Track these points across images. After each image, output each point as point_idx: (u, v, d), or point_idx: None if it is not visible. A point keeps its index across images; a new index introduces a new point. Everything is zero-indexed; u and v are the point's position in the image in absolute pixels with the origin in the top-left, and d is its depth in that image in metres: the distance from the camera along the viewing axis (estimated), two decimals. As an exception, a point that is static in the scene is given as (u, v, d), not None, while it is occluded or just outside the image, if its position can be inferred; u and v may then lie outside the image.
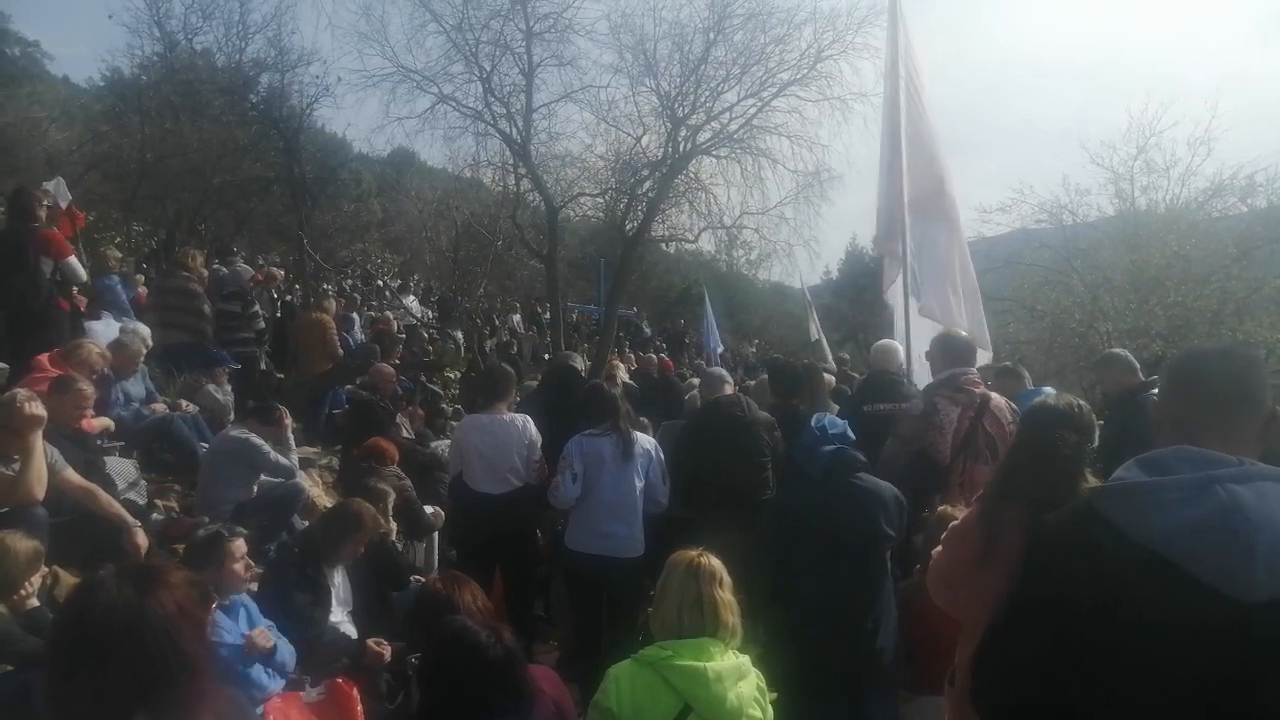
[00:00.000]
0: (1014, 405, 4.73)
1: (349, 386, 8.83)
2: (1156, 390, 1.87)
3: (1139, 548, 1.42)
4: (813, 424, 3.99)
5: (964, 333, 5.24)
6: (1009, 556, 2.24)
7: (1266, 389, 1.69)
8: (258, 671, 3.44)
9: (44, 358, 5.42)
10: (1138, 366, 5.42)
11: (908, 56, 6.86)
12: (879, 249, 7.25)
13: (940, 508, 3.95)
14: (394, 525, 5.44)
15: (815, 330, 19.34)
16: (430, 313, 17.94)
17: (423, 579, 5.10)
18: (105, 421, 5.53)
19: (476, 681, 2.57)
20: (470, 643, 2.60)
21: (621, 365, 11.67)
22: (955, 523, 2.66)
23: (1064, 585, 1.51)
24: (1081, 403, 2.67)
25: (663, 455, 5.04)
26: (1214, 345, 2.18)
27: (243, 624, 3.56)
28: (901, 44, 6.85)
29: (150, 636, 1.54)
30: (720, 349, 16.06)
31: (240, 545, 3.71)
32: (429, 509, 6.17)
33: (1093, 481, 2.30)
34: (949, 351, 4.90)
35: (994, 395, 4.70)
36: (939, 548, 2.62)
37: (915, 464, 4.61)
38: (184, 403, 6.66)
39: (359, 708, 3.60)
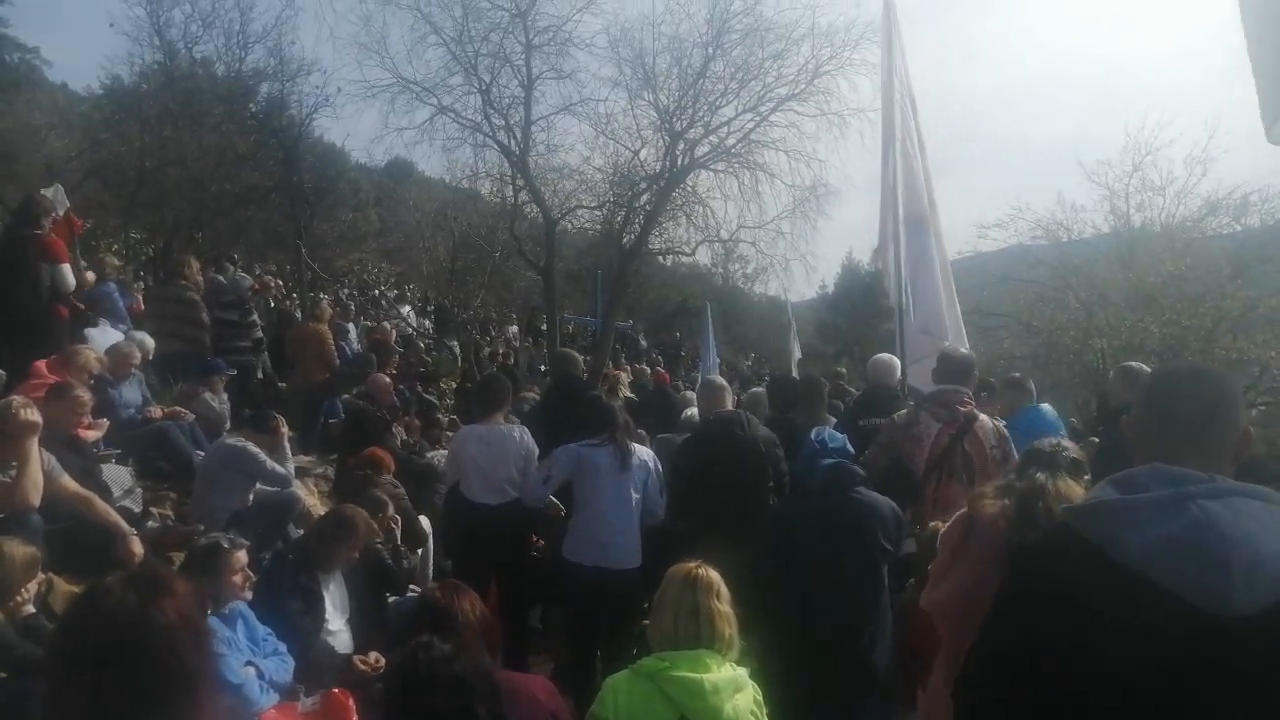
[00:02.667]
0: (1002, 430, 4.73)
1: (346, 396, 8.83)
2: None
3: (1115, 565, 1.42)
4: (812, 438, 4.00)
5: (965, 350, 5.22)
6: (983, 553, 2.30)
7: (1239, 408, 1.71)
8: (252, 685, 3.43)
9: (42, 364, 5.43)
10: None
11: (903, 70, 6.91)
12: (880, 260, 7.30)
13: (932, 523, 3.95)
14: (398, 528, 5.44)
15: (797, 349, 19.36)
16: (426, 323, 17.95)
17: (418, 589, 5.10)
18: (102, 426, 5.52)
19: (427, 692, 2.51)
20: (422, 657, 2.56)
21: (624, 376, 11.67)
22: (946, 526, 2.70)
23: (1042, 603, 1.52)
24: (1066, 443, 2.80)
25: (660, 467, 5.05)
26: (1185, 366, 2.20)
27: (240, 633, 3.56)
28: (898, 57, 6.90)
29: (152, 645, 1.53)
30: (718, 362, 16.05)
31: (241, 557, 3.70)
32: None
33: (1078, 489, 2.33)
34: (945, 369, 4.93)
35: (982, 417, 4.70)
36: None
37: (892, 472, 4.63)
38: (181, 409, 6.66)
39: (354, 718, 3.59)
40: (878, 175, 6.95)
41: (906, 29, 7.03)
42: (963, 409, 4.64)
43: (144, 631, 1.54)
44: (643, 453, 4.99)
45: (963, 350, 5.18)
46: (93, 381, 5.46)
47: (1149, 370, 5.41)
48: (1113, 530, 1.46)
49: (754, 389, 8.62)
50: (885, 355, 6.11)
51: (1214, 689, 1.34)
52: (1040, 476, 2.38)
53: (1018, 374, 6.75)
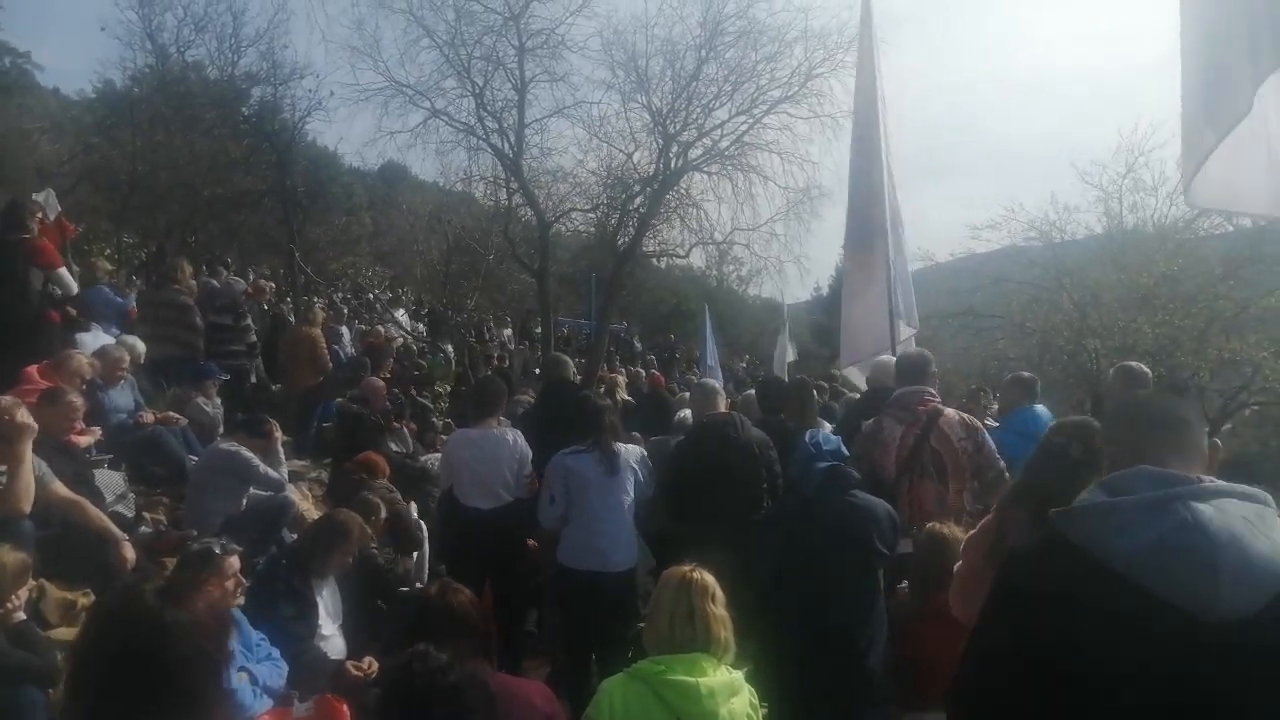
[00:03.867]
0: (970, 421, 4.71)
1: (339, 400, 8.81)
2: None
3: (1103, 569, 1.42)
4: (806, 440, 3.99)
5: (914, 349, 5.24)
6: None
7: (1203, 422, 1.78)
8: (245, 690, 3.41)
9: (33, 370, 5.39)
10: (1143, 380, 5.28)
11: (880, 73, 6.99)
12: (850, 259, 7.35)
13: (928, 525, 3.95)
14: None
15: (792, 350, 19.24)
16: (421, 326, 17.92)
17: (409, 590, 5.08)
18: (95, 433, 5.50)
19: (422, 703, 2.50)
20: (418, 668, 2.55)
21: (620, 379, 11.62)
22: (973, 532, 2.69)
23: (1030, 610, 1.52)
24: (1090, 421, 2.75)
25: (650, 465, 5.03)
26: (1146, 390, 2.25)
27: (232, 639, 3.53)
28: (878, 60, 6.97)
29: (165, 662, 1.53)
30: (715, 365, 16.00)
31: (234, 563, 3.67)
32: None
33: None
34: (902, 370, 4.96)
35: (947, 412, 4.67)
36: (959, 563, 2.65)
37: (868, 481, 4.62)
38: (173, 414, 6.63)
39: (348, 724, 3.57)
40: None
41: (892, 30, 7.13)
42: (923, 408, 4.64)
43: (161, 644, 1.54)
44: (630, 453, 4.95)
45: (915, 350, 5.19)
46: (84, 386, 5.43)
47: (1148, 371, 5.40)
48: (1100, 534, 1.46)
49: (747, 391, 8.62)
50: (886, 357, 6.11)
51: (1205, 693, 1.33)
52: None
53: (1026, 374, 6.70)
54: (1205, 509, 1.41)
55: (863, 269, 6.89)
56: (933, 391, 4.77)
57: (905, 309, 6.75)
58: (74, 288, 6.32)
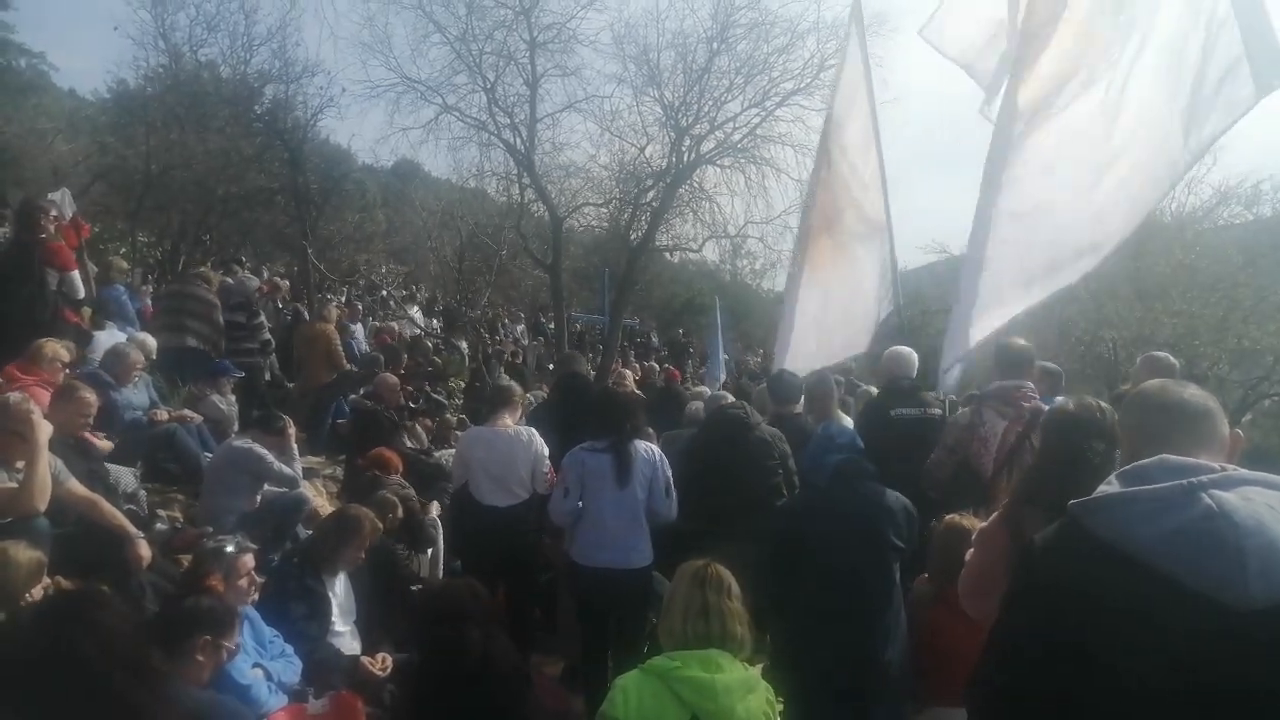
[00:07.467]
0: None
1: (353, 396, 8.82)
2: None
3: (1126, 558, 1.40)
4: (820, 432, 3.95)
5: (1021, 342, 5.03)
6: None
7: (1222, 413, 1.76)
8: (260, 686, 3.41)
9: (13, 368, 5.27)
10: (1168, 370, 5.15)
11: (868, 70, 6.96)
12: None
13: (948, 517, 3.88)
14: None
15: None
16: (435, 322, 17.96)
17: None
18: (106, 445, 5.49)
19: (459, 687, 2.50)
20: (455, 647, 2.54)
21: (629, 374, 11.63)
22: (984, 525, 2.64)
23: (1052, 602, 1.50)
24: (1105, 406, 2.67)
25: (668, 466, 4.92)
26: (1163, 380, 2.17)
27: (246, 636, 3.53)
28: (866, 57, 6.96)
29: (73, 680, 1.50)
30: (724, 377, 15.77)
31: (248, 560, 3.66)
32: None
33: None
34: (1002, 362, 4.74)
35: (1046, 409, 4.57)
36: (971, 550, 2.59)
37: (959, 474, 4.51)
38: (188, 412, 6.64)
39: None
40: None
41: (903, 22, 7.11)
42: (1027, 404, 4.52)
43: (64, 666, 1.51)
44: (649, 451, 4.83)
45: (1021, 341, 4.99)
46: (66, 370, 5.42)
47: (1174, 361, 5.29)
48: (1122, 523, 1.44)
49: (762, 385, 8.58)
50: (900, 348, 6.04)
51: (1231, 680, 1.31)
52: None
53: (1053, 366, 6.56)
54: (1230, 497, 1.39)
55: (849, 265, 6.90)
56: (1031, 386, 4.64)
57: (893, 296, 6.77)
58: (81, 292, 6.31)
